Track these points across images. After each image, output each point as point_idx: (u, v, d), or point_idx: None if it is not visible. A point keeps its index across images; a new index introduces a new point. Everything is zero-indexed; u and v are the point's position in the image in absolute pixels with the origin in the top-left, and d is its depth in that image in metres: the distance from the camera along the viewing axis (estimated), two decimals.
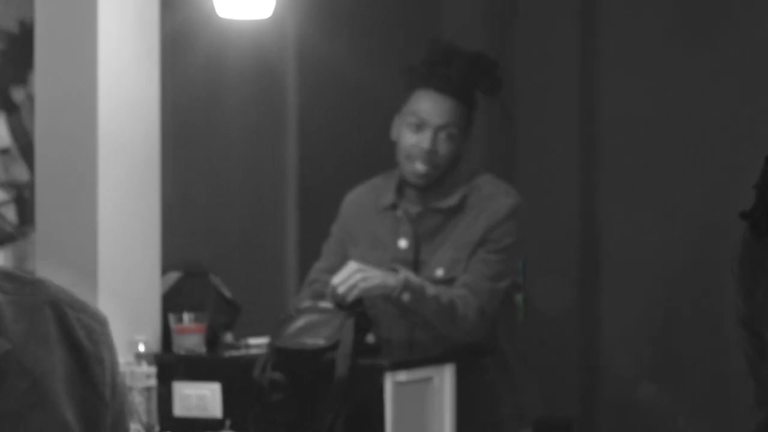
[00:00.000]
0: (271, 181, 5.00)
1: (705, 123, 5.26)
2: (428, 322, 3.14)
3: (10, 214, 3.87)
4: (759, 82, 5.12)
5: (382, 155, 4.70)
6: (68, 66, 3.13)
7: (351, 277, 3.06)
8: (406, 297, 3.02)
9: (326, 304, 3.15)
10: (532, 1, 5.47)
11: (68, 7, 3.09)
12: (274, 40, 4.75)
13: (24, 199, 3.82)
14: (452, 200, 3.15)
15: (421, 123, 3.09)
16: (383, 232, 3.26)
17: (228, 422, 3.04)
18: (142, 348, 3.05)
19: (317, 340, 3.03)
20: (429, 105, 3.11)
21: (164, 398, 3.08)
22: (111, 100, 3.10)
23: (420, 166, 3.19)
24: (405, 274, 3.08)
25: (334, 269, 3.20)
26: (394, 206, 3.23)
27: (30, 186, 3.78)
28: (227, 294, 3.39)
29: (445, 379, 3.14)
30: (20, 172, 3.89)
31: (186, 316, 3.21)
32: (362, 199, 3.31)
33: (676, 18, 5.29)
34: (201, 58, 4.45)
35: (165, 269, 3.33)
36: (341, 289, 3.08)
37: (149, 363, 3.03)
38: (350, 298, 3.08)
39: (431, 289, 3.02)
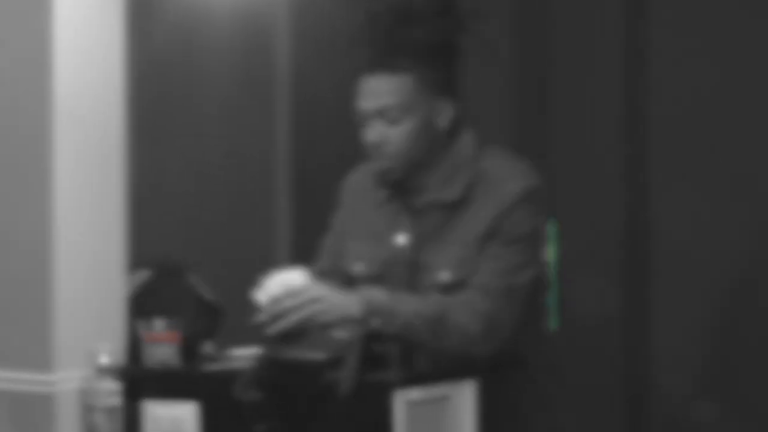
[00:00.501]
0: (259, 162, 4.90)
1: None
2: (417, 343, 2.93)
3: None
4: None
5: None
6: (17, 22, 2.93)
7: (305, 306, 2.84)
8: (375, 322, 2.80)
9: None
10: None
11: None
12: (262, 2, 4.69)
13: None
14: (455, 191, 2.88)
15: (361, 115, 2.86)
16: (382, 226, 3.03)
17: None
18: (104, 360, 2.86)
19: (316, 354, 2.83)
20: (361, 90, 2.87)
21: (131, 420, 2.88)
22: (67, 63, 2.90)
23: (379, 164, 2.95)
24: (367, 294, 2.86)
25: (334, 271, 3.02)
26: (391, 197, 3.01)
27: None
28: (207, 296, 3.16)
29: (464, 398, 2.96)
30: None
31: (157, 322, 2.99)
32: (361, 185, 3.08)
33: None
34: (176, 13, 4.32)
35: (132, 266, 3.10)
36: (288, 319, 2.89)
37: (113, 378, 2.86)
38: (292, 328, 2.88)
39: (406, 304, 2.78)
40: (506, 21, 5.25)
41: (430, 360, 3.05)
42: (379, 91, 2.86)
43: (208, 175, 4.67)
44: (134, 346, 3.00)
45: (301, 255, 4.46)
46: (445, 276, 2.83)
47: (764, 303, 4.96)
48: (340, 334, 2.87)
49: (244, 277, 4.27)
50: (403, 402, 2.78)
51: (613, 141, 5.18)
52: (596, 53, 5.22)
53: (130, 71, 3.12)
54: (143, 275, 3.13)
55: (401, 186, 2.95)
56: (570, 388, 3.86)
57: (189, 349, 3.02)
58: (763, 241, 5.06)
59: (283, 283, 2.94)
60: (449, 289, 2.78)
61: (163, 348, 2.99)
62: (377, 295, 2.84)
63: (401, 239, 2.92)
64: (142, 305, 3.07)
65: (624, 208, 5.14)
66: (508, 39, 5.47)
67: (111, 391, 2.83)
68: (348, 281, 3.03)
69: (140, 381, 2.93)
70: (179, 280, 3.15)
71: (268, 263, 4.29)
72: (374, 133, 2.81)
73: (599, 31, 5.28)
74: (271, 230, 4.90)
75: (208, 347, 3.07)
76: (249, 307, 3.94)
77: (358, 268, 2.91)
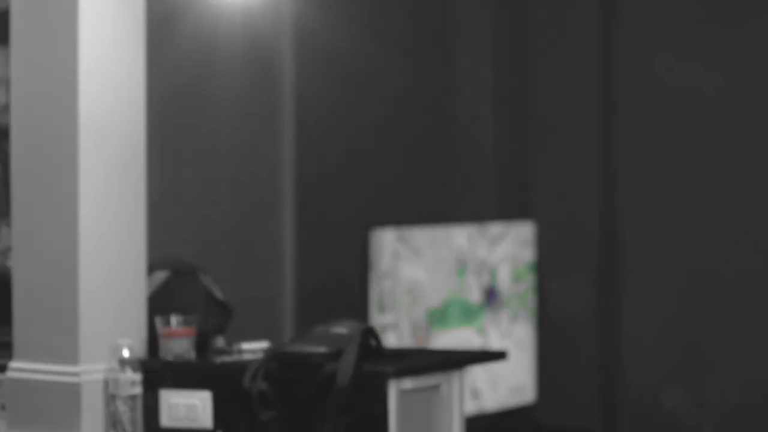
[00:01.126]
0: (266, 173, 4.92)
1: (738, 109, 5.29)
2: None
3: None
4: None
5: (389, 144, 4.67)
6: (46, 48, 3.04)
7: None
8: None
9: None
10: None
11: None
12: (268, 21, 4.75)
13: None
14: None
15: None
16: None
17: None
18: (126, 353, 2.96)
19: (318, 347, 2.91)
20: None
21: (150, 408, 3.00)
22: (92, 85, 3.00)
23: None
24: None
25: None
26: None
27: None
28: (218, 295, 3.27)
29: (453, 387, 3.07)
30: None
31: (174, 319, 3.09)
32: None
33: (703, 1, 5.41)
34: (190, 41, 4.44)
35: (151, 268, 3.20)
36: None
37: (134, 369, 2.96)
38: None
39: None
40: (490, 30, 5.61)
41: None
42: None
43: (221, 185, 4.65)
44: (153, 341, 3.07)
45: (306, 257, 4.77)
46: None
47: (731, 297, 5.27)
48: (340, 329, 2.94)
49: (253, 278, 4.54)
50: (396, 390, 2.83)
51: (586, 153, 5.38)
52: (574, 72, 5.45)
53: (151, 91, 3.17)
54: (161, 276, 3.20)
55: None
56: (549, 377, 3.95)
57: (202, 343, 3.09)
58: (723, 244, 5.35)
59: None
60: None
61: (178, 342, 3.04)
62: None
63: None
64: (160, 304, 3.14)
65: (597, 215, 5.47)
66: (491, 54, 5.71)
67: (132, 381, 2.91)
68: None
69: (158, 372, 2.99)
70: (193, 281, 3.22)
71: (274, 265, 4.72)
72: None
73: (576, 49, 5.49)
74: (278, 234, 4.87)
75: (219, 341, 3.13)
76: (257, 306, 4.18)
77: None
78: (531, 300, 5.29)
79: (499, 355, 3.38)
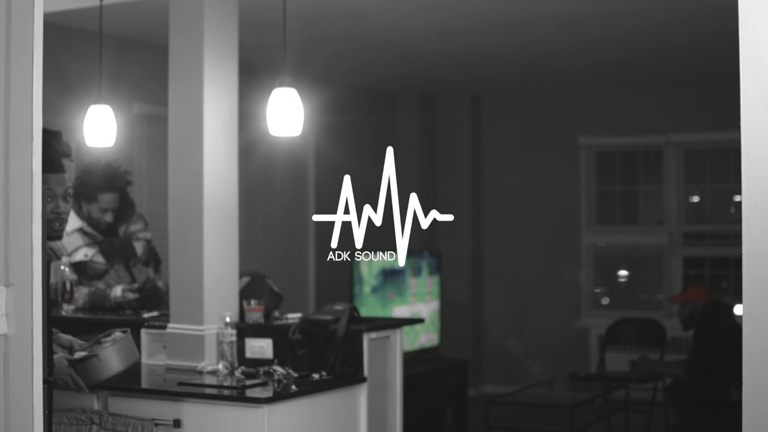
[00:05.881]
0: (299, 229, 5.43)
1: (542, 191, 6.19)
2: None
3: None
4: (571, 172, 6.19)
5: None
6: (184, 160, 3.52)
7: None
8: None
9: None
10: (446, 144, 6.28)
11: (185, 126, 3.52)
12: (301, 147, 5.30)
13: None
14: None
15: None
16: None
17: (276, 361, 3.35)
18: (228, 319, 3.42)
19: (327, 315, 3.36)
20: None
21: (240, 348, 3.45)
22: (211, 179, 3.51)
23: None
24: None
25: None
26: None
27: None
28: (276, 289, 3.67)
29: (396, 336, 3.55)
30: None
31: (252, 302, 3.55)
32: None
33: (531, 133, 6.25)
34: (261, 157, 4.79)
35: (240, 275, 3.64)
36: None
37: (232, 328, 3.42)
38: None
39: None
40: (416, 144, 6.10)
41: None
42: None
43: (275, 234, 5.03)
44: (242, 313, 3.55)
45: (320, 270, 5.27)
46: None
47: (536, 289, 6.01)
48: (338, 307, 3.31)
49: (293, 281, 5.27)
50: (368, 339, 3.34)
51: (465, 219, 6.03)
52: (460, 173, 6.03)
53: (241, 184, 3.62)
54: (245, 280, 3.65)
55: None
56: (447, 332, 4.67)
57: (267, 314, 3.58)
58: (540, 259, 6.08)
59: None
60: None
61: (254, 314, 3.51)
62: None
63: None
64: (246, 294, 3.61)
65: (471, 245, 6.20)
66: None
67: (231, 334, 3.37)
68: None
69: (245, 329, 3.46)
70: (262, 282, 3.64)
71: (304, 277, 5.31)
72: None
73: (462, 163, 6.10)
74: (305, 259, 5.31)
75: (276, 314, 3.61)
76: (294, 297, 4.80)
77: None
78: (438, 290, 5.41)
79: (420, 320, 3.88)
